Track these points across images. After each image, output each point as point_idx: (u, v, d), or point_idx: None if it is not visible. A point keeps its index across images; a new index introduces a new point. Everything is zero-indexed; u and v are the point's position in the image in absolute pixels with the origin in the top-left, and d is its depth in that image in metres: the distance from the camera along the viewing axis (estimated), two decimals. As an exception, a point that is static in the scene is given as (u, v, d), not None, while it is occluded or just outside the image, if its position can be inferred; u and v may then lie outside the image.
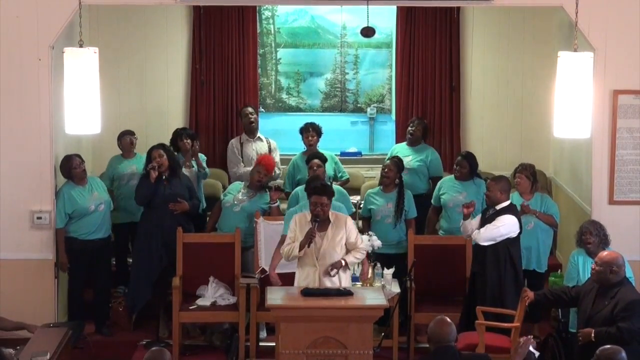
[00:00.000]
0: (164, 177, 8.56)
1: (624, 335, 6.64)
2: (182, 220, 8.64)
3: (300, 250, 7.18)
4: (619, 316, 6.74)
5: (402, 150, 9.66)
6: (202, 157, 9.61)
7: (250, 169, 9.20)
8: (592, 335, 6.79)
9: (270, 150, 9.87)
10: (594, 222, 7.85)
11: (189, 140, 9.35)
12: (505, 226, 7.63)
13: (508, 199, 7.79)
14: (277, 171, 9.77)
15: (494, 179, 7.90)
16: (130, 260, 9.28)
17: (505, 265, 7.62)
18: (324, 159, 8.86)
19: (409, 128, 9.77)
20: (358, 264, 7.79)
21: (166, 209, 8.54)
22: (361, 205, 9.13)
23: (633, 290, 6.95)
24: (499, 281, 7.63)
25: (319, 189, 7.24)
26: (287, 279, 7.63)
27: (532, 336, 5.98)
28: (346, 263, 7.25)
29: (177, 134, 9.44)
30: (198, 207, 9.12)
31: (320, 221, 7.19)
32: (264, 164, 8.91)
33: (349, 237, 7.26)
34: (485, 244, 7.65)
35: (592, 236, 7.63)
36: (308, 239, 7.14)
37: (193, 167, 9.31)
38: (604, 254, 7.03)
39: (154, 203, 8.54)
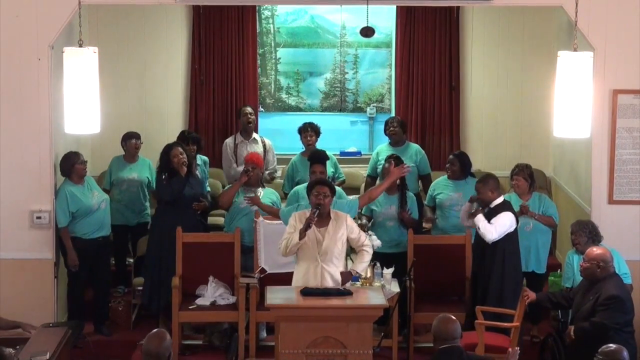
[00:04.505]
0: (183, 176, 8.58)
1: (595, 329, 6.69)
2: (201, 219, 8.75)
3: (300, 238, 7.11)
4: (597, 310, 6.82)
5: (388, 152, 9.34)
6: (205, 158, 9.61)
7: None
8: (572, 332, 6.85)
9: (265, 150, 9.82)
10: (579, 221, 7.88)
11: (195, 146, 9.23)
12: (508, 221, 7.63)
13: (500, 195, 7.78)
14: (275, 170, 9.77)
15: (480, 181, 7.85)
16: (131, 260, 9.31)
17: (504, 261, 7.63)
18: (325, 158, 8.72)
19: (390, 130, 9.59)
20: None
21: (189, 208, 8.58)
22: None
23: (617, 285, 6.99)
24: (500, 279, 7.63)
25: (322, 180, 7.54)
26: (287, 279, 7.61)
27: (518, 349, 5.99)
28: (356, 272, 7.33)
29: (184, 139, 9.20)
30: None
31: (321, 212, 7.18)
32: (249, 160, 8.76)
33: (350, 233, 7.29)
34: (494, 239, 7.61)
35: (578, 236, 7.67)
36: (307, 225, 7.10)
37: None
38: (591, 250, 7.10)
39: (177, 202, 8.52)
